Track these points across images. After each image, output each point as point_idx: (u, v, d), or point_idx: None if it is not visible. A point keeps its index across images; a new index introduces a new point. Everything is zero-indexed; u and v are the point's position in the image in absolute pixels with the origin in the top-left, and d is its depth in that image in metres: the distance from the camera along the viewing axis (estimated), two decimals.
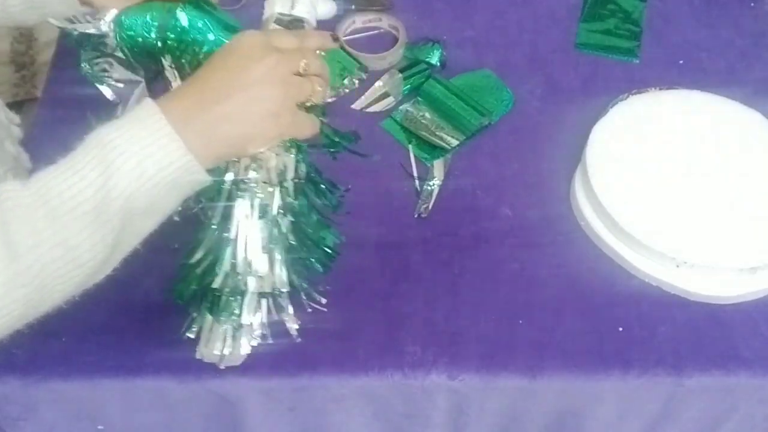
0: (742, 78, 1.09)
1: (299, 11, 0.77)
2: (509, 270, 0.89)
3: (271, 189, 0.69)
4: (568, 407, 0.85)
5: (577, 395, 0.84)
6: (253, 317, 0.73)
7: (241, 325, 0.73)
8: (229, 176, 0.68)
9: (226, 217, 0.69)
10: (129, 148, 0.59)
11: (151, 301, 0.83)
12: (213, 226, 0.69)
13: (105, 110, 1.01)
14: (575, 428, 0.88)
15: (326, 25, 1.12)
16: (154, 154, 0.60)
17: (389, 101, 1.04)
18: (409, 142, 1.00)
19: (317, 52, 0.71)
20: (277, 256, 0.70)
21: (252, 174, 0.68)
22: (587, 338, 0.84)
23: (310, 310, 0.78)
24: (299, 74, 0.67)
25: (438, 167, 0.97)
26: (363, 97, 1.04)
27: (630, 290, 0.88)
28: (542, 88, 1.07)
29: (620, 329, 0.85)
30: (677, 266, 0.86)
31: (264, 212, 0.69)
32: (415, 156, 0.99)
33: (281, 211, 0.70)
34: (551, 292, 0.87)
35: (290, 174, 0.70)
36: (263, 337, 0.76)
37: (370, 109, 1.04)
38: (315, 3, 0.79)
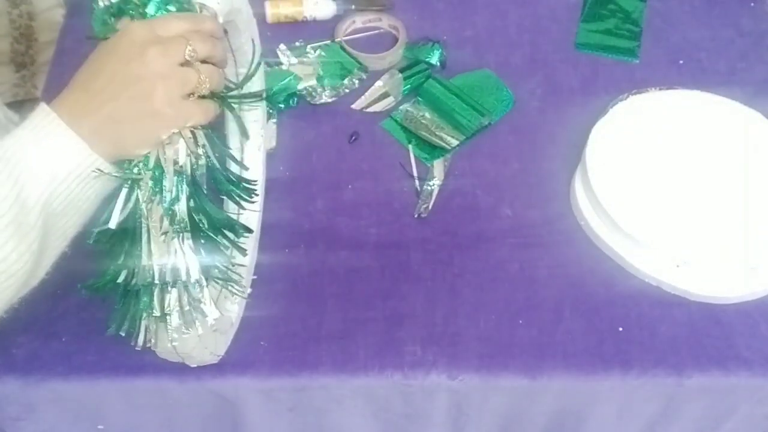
0: (742, 78, 1.09)
1: None
2: (509, 270, 0.89)
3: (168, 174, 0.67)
4: (568, 407, 0.85)
5: (577, 395, 0.84)
6: (168, 309, 0.69)
7: (161, 318, 0.70)
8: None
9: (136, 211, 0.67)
10: (34, 155, 0.61)
11: None
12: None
13: None
14: (575, 428, 0.88)
15: (326, 25, 1.12)
16: (60, 157, 0.61)
17: (389, 101, 1.04)
18: (409, 142, 1.00)
19: (210, 35, 0.68)
20: (180, 243, 0.68)
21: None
22: (587, 338, 0.84)
23: (247, 299, 0.78)
24: (187, 62, 0.66)
25: (438, 167, 0.97)
26: (363, 97, 1.04)
27: (630, 290, 0.88)
28: (542, 88, 1.07)
29: (620, 329, 0.85)
30: (677, 266, 0.86)
31: (160, 197, 0.67)
32: (415, 156, 0.99)
33: (180, 192, 0.67)
34: (551, 292, 0.87)
35: (182, 158, 0.67)
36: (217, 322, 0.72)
37: (370, 109, 1.04)
38: None
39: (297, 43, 1.10)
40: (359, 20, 1.13)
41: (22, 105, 1.54)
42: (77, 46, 1.09)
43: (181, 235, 0.68)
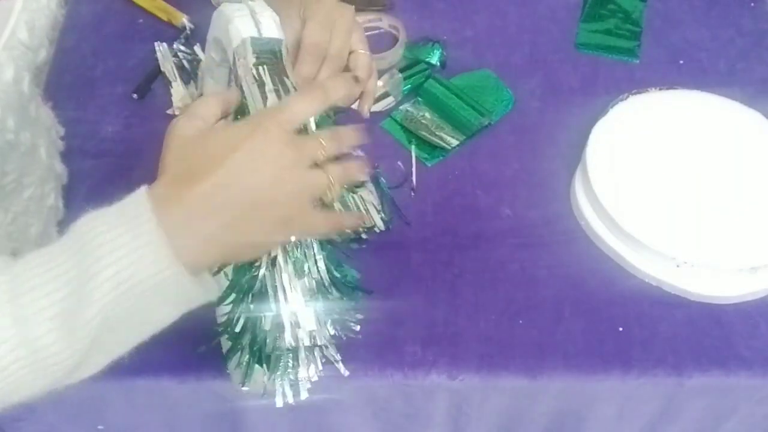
0: (742, 78, 1.09)
1: (269, 32, 0.72)
2: (509, 270, 0.89)
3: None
4: (568, 407, 0.85)
5: (577, 395, 0.84)
6: (308, 370, 0.71)
7: (297, 379, 0.72)
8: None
9: (263, 284, 0.68)
10: (111, 251, 0.52)
11: None
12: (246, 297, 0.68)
13: (103, 110, 1.02)
14: (575, 428, 0.88)
15: None
16: (137, 262, 0.52)
17: (389, 101, 1.04)
18: (410, 142, 1.00)
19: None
20: (319, 308, 0.69)
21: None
22: (587, 338, 0.84)
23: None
24: (315, 164, 0.59)
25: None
26: None
27: (630, 290, 0.88)
28: (542, 88, 1.07)
29: (620, 329, 0.85)
30: (677, 266, 0.86)
31: (300, 271, 0.67)
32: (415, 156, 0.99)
33: (318, 264, 0.69)
34: (551, 292, 0.87)
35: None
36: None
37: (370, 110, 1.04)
38: (278, 22, 0.75)
39: None
40: (359, 20, 1.12)
41: None
42: (77, 46, 1.09)
43: (315, 294, 0.68)
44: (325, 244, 0.71)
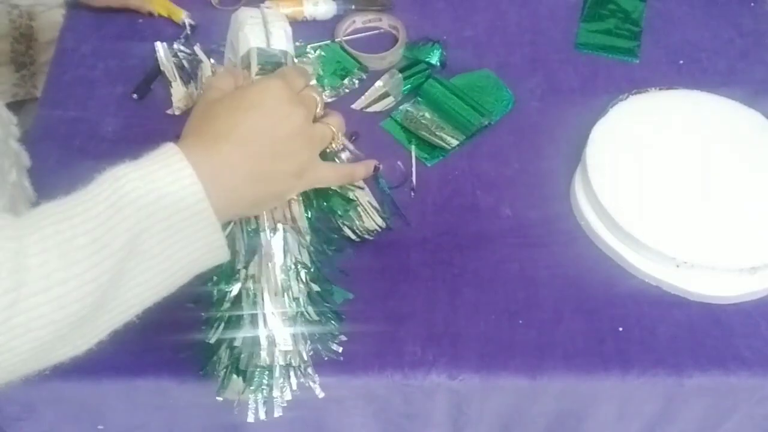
0: (742, 78, 1.09)
1: (278, 43, 0.74)
2: (509, 270, 0.89)
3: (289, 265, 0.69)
4: (568, 407, 0.85)
5: (577, 395, 0.84)
6: (283, 389, 0.72)
7: (271, 396, 0.73)
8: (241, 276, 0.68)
9: (246, 296, 0.69)
10: (144, 184, 0.54)
11: None
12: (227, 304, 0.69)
13: (103, 111, 1.02)
14: (575, 428, 0.88)
15: (326, 25, 1.12)
16: (172, 194, 0.55)
17: (389, 101, 1.04)
18: (410, 142, 1.00)
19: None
20: (298, 329, 0.71)
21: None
22: (587, 338, 0.84)
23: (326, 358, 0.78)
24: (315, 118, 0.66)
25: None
26: (363, 97, 1.04)
27: (630, 290, 0.88)
28: (542, 88, 1.07)
29: (620, 329, 0.85)
30: (677, 266, 0.86)
31: (283, 289, 0.69)
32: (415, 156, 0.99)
33: (301, 284, 0.70)
34: (551, 292, 0.87)
35: (302, 224, 0.70)
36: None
37: (370, 109, 1.04)
38: (289, 34, 0.77)
39: (297, 43, 1.09)
40: (359, 20, 1.12)
41: (22, 105, 1.54)
42: (77, 46, 1.09)
43: (298, 319, 0.70)
44: (318, 255, 0.71)
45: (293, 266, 0.69)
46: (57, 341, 0.53)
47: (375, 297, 0.86)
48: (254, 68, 0.71)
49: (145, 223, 0.54)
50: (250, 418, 0.72)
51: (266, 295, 0.68)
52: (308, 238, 0.72)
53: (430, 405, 0.84)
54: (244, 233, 0.69)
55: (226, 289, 0.68)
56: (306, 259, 0.71)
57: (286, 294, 0.69)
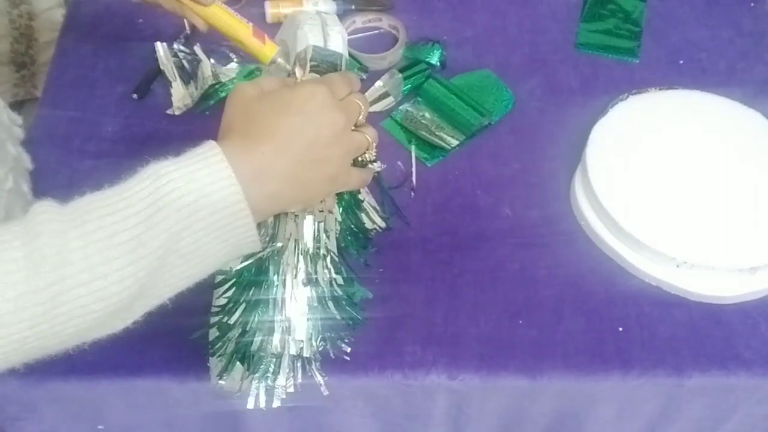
0: (742, 78, 1.09)
1: (335, 45, 0.75)
2: (509, 270, 0.89)
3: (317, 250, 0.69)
4: (568, 407, 0.85)
5: (577, 395, 0.84)
6: (287, 379, 0.72)
7: (274, 386, 0.73)
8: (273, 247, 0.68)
9: (267, 281, 0.69)
10: (185, 184, 0.56)
11: None
12: (250, 289, 0.69)
13: (103, 112, 1.02)
14: (575, 428, 0.88)
15: None
16: (211, 194, 0.56)
17: (389, 101, 1.04)
18: (410, 142, 1.00)
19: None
20: (315, 322, 0.70)
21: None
22: (587, 338, 0.84)
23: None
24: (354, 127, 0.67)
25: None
26: None
27: (630, 290, 0.88)
28: (542, 88, 1.07)
29: (620, 329, 0.85)
30: (677, 266, 0.86)
31: (308, 279, 0.69)
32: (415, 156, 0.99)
33: (325, 275, 0.70)
34: (551, 292, 0.87)
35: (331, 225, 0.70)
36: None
37: (370, 109, 1.04)
38: (345, 39, 0.77)
39: None
40: (359, 20, 1.13)
41: (22, 105, 1.54)
42: (77, 46, 1.09)
43: (317, 311, 0.70)
44: (344, 249, 0.72)
45: (322, 254, 0.70)
46: (96, 326, 0.57)
47: (375, 297, 0.86)
48: (309, 65, 0.72)
49: (184, 222, 0.56)
50: (250, 405, 0.72)
51: (289, 279, 0.68)
52: (338, 229, 0.73)
53: (430, 405, 0.84)
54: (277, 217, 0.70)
55: (251, 271, 0.68)
56: (334, 248, 0.71)
57: (310, 283, 0.69)
